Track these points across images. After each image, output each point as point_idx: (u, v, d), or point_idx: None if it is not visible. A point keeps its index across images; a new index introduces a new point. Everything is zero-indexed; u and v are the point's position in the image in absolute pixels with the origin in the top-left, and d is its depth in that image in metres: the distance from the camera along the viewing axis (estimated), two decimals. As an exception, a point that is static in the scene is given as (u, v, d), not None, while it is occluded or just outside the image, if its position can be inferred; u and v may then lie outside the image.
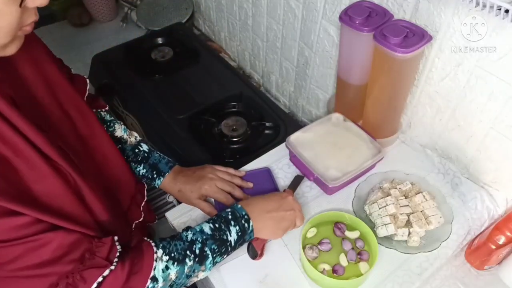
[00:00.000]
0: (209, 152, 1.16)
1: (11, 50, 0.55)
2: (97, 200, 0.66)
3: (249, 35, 1.50)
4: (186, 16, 1.79)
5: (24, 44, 0.57)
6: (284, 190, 0.86)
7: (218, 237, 0.70)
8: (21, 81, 0.63)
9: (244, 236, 0.73)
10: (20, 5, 0.50)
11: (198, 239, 0.68)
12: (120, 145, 0.88)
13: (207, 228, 0.70)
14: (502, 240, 0.73)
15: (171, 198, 1.18)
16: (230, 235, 0.71)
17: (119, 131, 0.90)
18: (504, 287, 0.76)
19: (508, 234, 0.72)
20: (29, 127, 0.56)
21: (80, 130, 0.72)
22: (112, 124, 0.90)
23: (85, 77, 0.85)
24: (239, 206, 0.75)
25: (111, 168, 0.78)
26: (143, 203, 0.88)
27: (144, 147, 0.90)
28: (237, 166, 0.95)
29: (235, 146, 1.20)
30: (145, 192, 0.90)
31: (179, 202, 0.92)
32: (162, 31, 1.64)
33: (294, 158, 0.94)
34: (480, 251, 0.76)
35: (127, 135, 0.91)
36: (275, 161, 0.97)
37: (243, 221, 0.73)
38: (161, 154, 0.91)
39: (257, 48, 1.49)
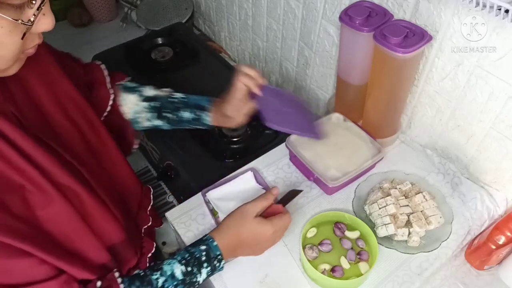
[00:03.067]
0: (209, 152, 1.16)
1: (12, 71, 0.55)
2: (107, 215, 0.66)
3: (249, 35, 1.50)
4: (186, 16, 1.79)
5: (31, 59, 0.57)
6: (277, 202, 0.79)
7: (188, 281, 0.66)
8: (28, 96, 0.63)
9: (213, 273, 0.70)
10: (23, 37, 0.50)
11: (169, 286, 0.65)
12: (155, 103, 0.88)
13: (178, 272, 0.66)
14: (502, 240, 0.73)
15: (171, 198, 1.18)
16: (200, 276, 0.68)
17: (149, 91, 0.90)
18: (504, 287, 0.76)
19: (508, 234, 0.72)
20: (36, 148, 0.56)
21: (89, 139, 0.72)
22: (140, 88, 0.90)
23: (98, 63, 0.86)
24: (215, 243, 0.68)
25: (120, 175, 0.78)
26: (150, 207, 0.88)
27: (178, 95, 0.90)
28: (237, 166, 0.95)
29: (235, 146, 1.19)
30: (151, 196, 0.89)
31: (179, 202, 0.92)
32: (162, 31, 1.64)
33: (294, 158, 0.94)
34: (480, 251, 0.76)
35: (158, 92, 0.91)
36: (275, 161, 0.97)
37: (215, 262, 0.68)
38: (197, 95, 0.92)
39: (257, 48, 1.49)
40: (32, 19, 0.49)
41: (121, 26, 2.02)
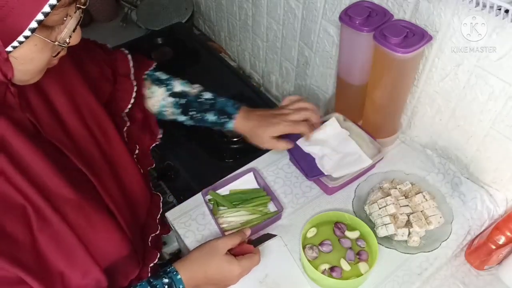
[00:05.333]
0: (209, 152, 1.16)
1: (33, 81, 0.55)
2: (113, 227, 0.66)
3: (249, 35, 1.50)
4: (186, 16, 1.79)
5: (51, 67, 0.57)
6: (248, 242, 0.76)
7: None
8: (46, 104, 0.63)
9: None
10: (56, 55, 0.52)
11: None
12: (183, 99, 0.88)
13: None
14: (502, 240, 0.73)
15: (171, 198, 1.18)
16: None
17: (178, 86, 0.90)
18: (504, 287, 0.76)
19: (508, 234, 0.72)
20: (44, 162, 0.56)
21: (104, 147, 0.71)
22: (169, 82, 0.90)
23: (125, 52, 0.85)
24: (178, 277, 0.65)
25: (130, 181, 0.76)
26: (159, 215, 0.86)
27: (207, 95, 0.89)
28: (237, 166, 0.95)
29: (235, 146, 1.19)
30: (161, 204, 0.88)
31: (179, 202, 0.92)
32: (162, 31, 1.64)
33: (294, 158, 0.93)
34: (480, 251, 0.76)
35: (188, 88, 0.90)
36: (275, 161, 0.97)
37: None
38: (227, 98, 0.90)
39: (257, 48, 1.49)
40: (67, 40, 0.52)
41: (121, 26, 2.02)
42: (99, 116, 0.71)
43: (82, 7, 0.51)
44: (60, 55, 0.56)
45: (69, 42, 0.53)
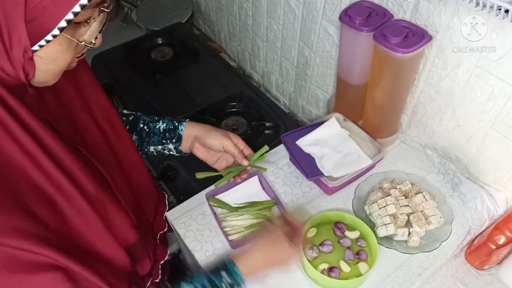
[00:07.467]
0: (209, 152, 1.16)
1: (52, 82, 0.56)
2: (127, 221, 0.66)
3: (249, 35, 1.50)
4: (186, 16, 1.79)
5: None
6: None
7: None
8: (61, 103, 0.63)
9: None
10: (80, 56, 0.53)
11: None
12: (131, 116, 0.87)
13: None
14: (502, 240, 0.73)
15: (171, 198, 1.18)
16: None
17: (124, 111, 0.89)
18: (504, 287, 0.76)
19: (508, 234, 0.72)
20: (71, 158, 0.56)
21: (114, 145, 0.72)
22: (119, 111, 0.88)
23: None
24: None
25: (138, 178, 0.77)
26: (165, 212, 0.87)
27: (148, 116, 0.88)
28: (237, 166, 0.95)
29: (235, 146, 1.19)
30: (166, 202, 0.88)
31: (179, 202, 0.92)
32: (162, 31, 1.64)
33: (294, 158, 0.93)
34: (480, 251, 0.76)
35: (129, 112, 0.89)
36: (275, 161, 0.97)
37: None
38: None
39: (257, 48, 1.49)
40: (93, 41, 0.53)
41: (121, 26, 2.02)
42: (110, 115, 0.72)
43: (106, 10, 0.53)
44: (82, 56, 0.57)
45: (95, 43, 0.54)
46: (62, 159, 0.56)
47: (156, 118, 0.86)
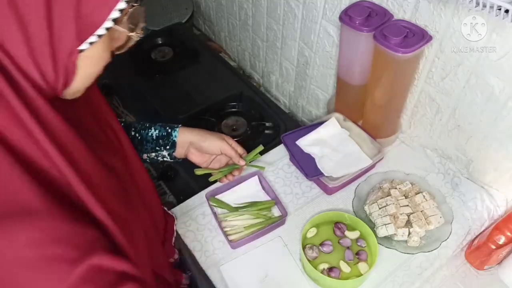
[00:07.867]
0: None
1: (81, 92, 0.51)
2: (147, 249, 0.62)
3: (249, 35, 1.50)
4: (186, 16, 1.79)
5: None
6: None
7: None
8: (75, 114, 0.57)
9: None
10: (113, 55, 0.48)
11: None
12: (123, 124, 0.82)
13: None
14: (502, 240, 0.73)
15: (171, 198, 1.18)
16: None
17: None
18: (504, 287, 0.76)
19: (508, 234, 0.72)
20: (101, 177, 0.52)
21: (119, 153, 0.66)
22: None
23: None
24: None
25: (149, 199, 0.72)
26: (173, 239, 0.82)
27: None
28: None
29: (235, 146, 1.19)
30: (175, 226, 0.84)
31: (179, 202, 0.92)
32: (162, 31, 1.64)
33: (294, 158, 0.93)
34: (480, 251, 0.76)
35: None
36: (275, 161, 0.97)
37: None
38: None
39: (257, 48, 1.49)
40: (138, 32, 0.49)
41: (121, 26, 2.02)
42: (116, 129, 0.67)
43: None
44: (122, 50, 0.53)
45: (139, 34, 0.50)
46: (92, 175, 0.50)
47: (147, 125, 0.84)
